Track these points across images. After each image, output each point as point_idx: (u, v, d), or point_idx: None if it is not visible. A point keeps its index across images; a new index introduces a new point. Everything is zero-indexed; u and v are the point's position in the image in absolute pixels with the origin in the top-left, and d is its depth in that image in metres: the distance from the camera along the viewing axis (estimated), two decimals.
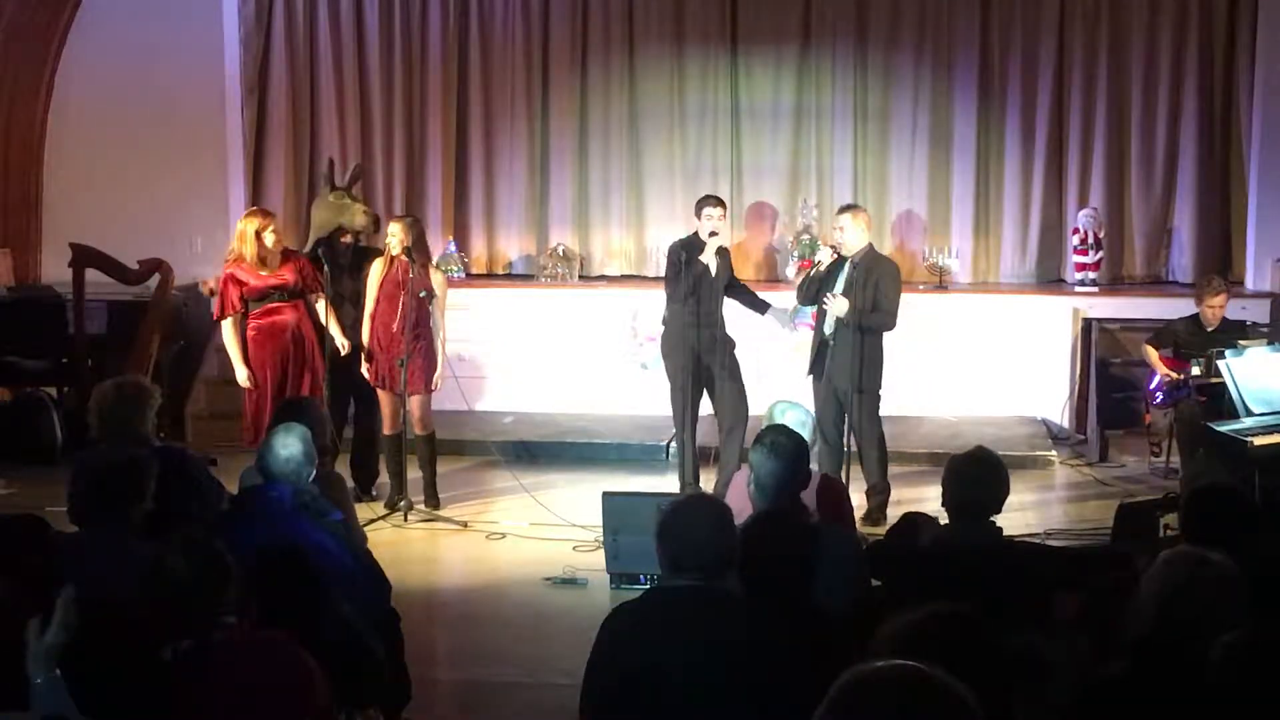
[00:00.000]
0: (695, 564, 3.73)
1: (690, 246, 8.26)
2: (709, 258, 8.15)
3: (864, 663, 2.27)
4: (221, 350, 10.36)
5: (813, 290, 8.08)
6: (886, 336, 8.00)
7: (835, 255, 7.98)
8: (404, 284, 8.08)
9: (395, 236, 8.16)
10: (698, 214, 8.32)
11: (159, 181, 11.03)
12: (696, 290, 8.13)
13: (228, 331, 8.26)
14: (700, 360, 8.18)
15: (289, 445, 5.06)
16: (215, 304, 8.41)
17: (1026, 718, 2.87)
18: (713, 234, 8.20)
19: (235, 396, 9.59)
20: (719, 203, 8.39)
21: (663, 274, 8.72)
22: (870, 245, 8.14)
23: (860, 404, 7.90)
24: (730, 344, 8.31)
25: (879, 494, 8.02)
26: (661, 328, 8.41)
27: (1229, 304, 9.00)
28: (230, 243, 8.51)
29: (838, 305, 7.82)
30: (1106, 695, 3.31)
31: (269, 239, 8.19)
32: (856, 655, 3.04)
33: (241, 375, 8.22)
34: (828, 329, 7.99)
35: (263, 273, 8.20)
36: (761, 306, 8.63)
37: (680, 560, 3.75)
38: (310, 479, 5.15)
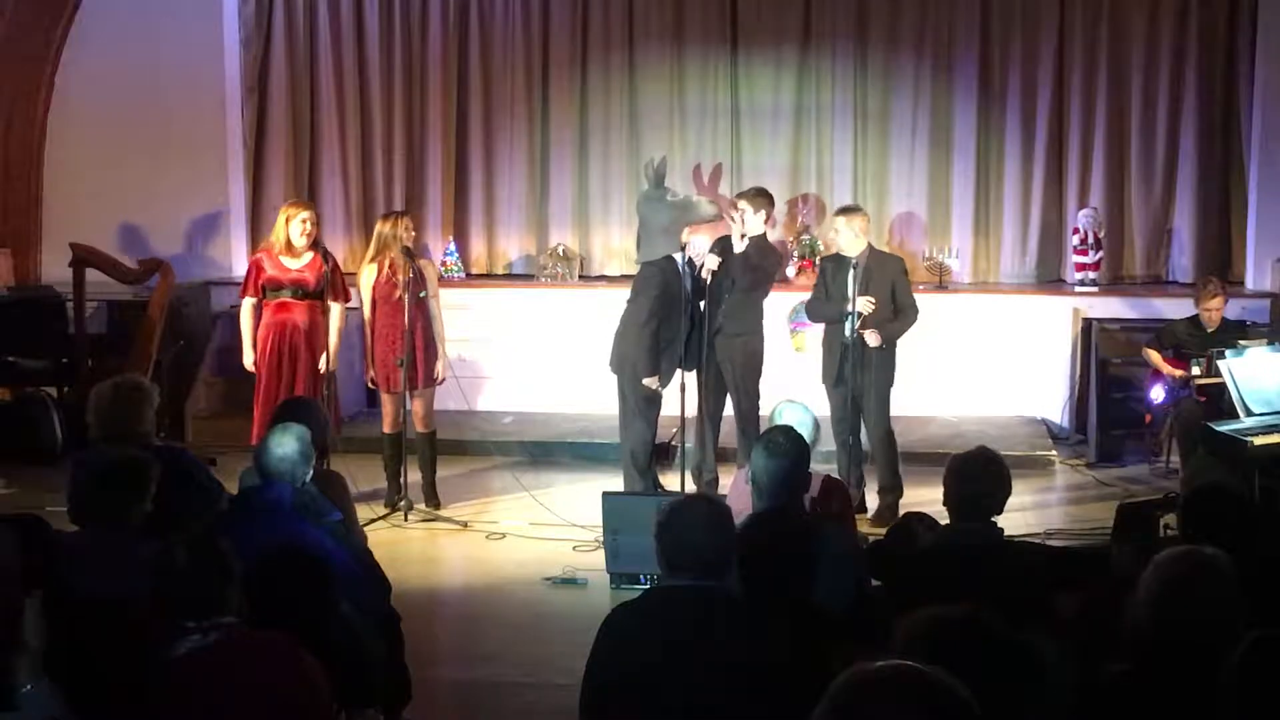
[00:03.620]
0: (694, 564, 3.73)
1: (724, 244, 8.21)
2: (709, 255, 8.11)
3: (864, 663, 2.27)
4: (222, 350, 10.41)
5: (821, 304, 8.13)
6: None
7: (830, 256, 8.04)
8: (405, 285, 8.07)
9: (408, 231, 8.16)
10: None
11: (159, 181, 11.02)
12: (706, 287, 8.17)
13: (244, 312, 8.26)
14: (717, 355, 8.20)
15: (284, 444, 5.05)
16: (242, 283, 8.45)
17: (1027, 718, 2.86)
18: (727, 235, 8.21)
19: (235, 396, 9.61)
20: (746, 195, 8.24)
21: None
22: (870, 246, 8.16)
23: (876, 405, 7.94)
24: (750, 342, 8.25)
25: (889, 494, 8.03)
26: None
27: (1229, 304, 9.02)
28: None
29: (871, 339, 7.88)
30: (1107, 695, 3.32)
31: (294, 230, 8.13)
32: (857, 655, 3.04)
33: (248, 358, 8.21)
34: (848, 336, 7.99)
35: (286, 263, 8.16)
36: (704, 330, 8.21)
37: (679, 560, 3.75)
38: (307, 478, 5.14)
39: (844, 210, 8.31)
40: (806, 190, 11.09)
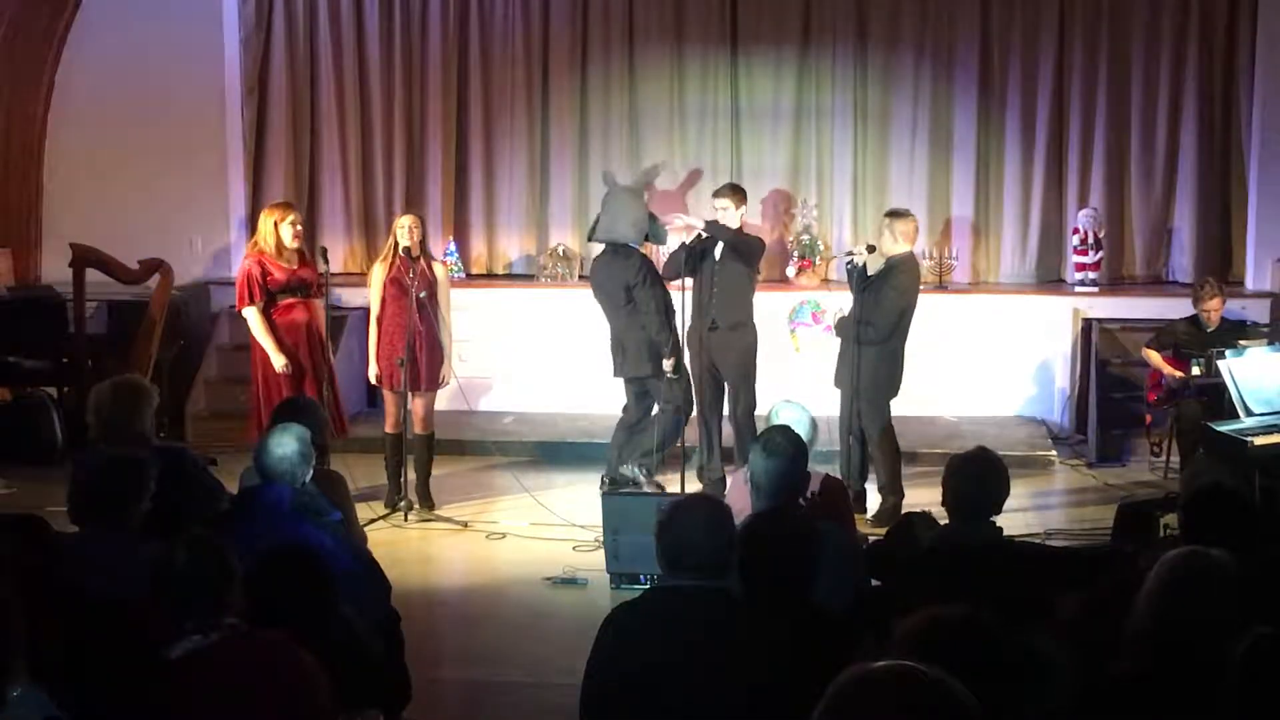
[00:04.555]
0: (694, 563, 3.73)
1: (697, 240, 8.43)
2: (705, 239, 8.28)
3: (864, 663, 2.27)
4: (222, 350, 10.41)
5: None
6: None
7: (866, 251, 8.04)
8: (408, 283, 8.07)
9: (408, 231, 8.15)
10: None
11: (159, 181, 11.02)
12: (696, 278, 8.28)
13: (255, 320, 8.03)
14: (711, 352, 8.24)
15: (283, 444, 5.06)
16: (237, 293, 8.21)
17: (1027, 718, 2.86)
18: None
19: (235, 396, 9.61)
20: (724, 193, 8.47)
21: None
22: (908, 253, 8.12)
23: (863, 407, 7.96)
24: (745, 337, 8.34)
25: (890, 495, 8.02)
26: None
27: (1229, 304, 9.02)
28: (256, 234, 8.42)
29: (838, 324, 8.11)
30: (1107, 696, 3.32)
31: (286, 232, 8.11)
32: (857, 655, 3.04)
33: (279, 362, 7.98)
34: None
35: (282, 264, 8.11)
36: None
37: (679, 559, 3.75)
38: (307, 478, 5.15)
39: (889, 213, 8.37)
40: (806, 190, 11.09)
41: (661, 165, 9.33)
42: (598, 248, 11.23)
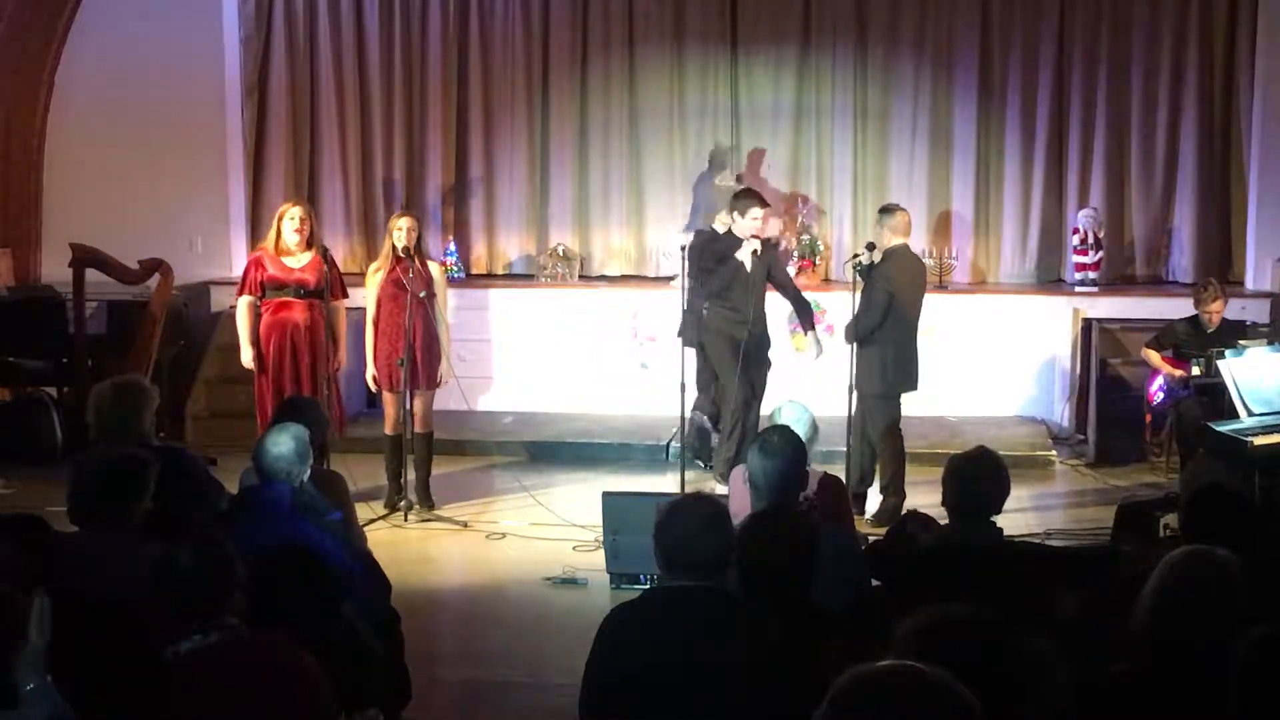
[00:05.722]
0: (692, 563, 3.73)
1: (715, 241, 8.37)
2: (745, 256, 8.23)
3: (864, 663, 2.27)
4: (222, 350, 10.41)
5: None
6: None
7: (868, 250, 8.01)
8: (407, 282, 8.08)
9: (404, 232, 8.15)
10: (741, 212, 8.29)
11: (159, 181, 11.02)
12: (730, 287, 8.25)
13: (241, 310, 8.27)
14: (752, 357, 8.29)
15: (280, 443, 5.05)
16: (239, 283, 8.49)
17: (1027, 718, 2.86)
18: (754, 235, 8.26)
19: (235, 396, 9.62)
20: (756, 201, 8.38)
21: (662, 273, 8.77)
22: (901, 245, 8.10)
23: (868, 406, 7.96)
24: (767, 342, 8.44)
25: (890, 496, 8.02)
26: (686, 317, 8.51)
27: (1229, 303, 9.02)
28: None
29: (845, 335, 8.14)
30: (1107, 695, 3.32)
31: (286, 227, 8.14)
32: (858, 655, 3.04)
33: (246, 356, 8.18)
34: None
35: (288, 263, 8.16)
36: (806, 321, 8.66)
37: (676, 559, 3.75)
38: (305, 477, 5.14)
39: (880, 210, 8.41)
40: (807, 190, 11.09)
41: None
42: (597, 248, 11.33)
